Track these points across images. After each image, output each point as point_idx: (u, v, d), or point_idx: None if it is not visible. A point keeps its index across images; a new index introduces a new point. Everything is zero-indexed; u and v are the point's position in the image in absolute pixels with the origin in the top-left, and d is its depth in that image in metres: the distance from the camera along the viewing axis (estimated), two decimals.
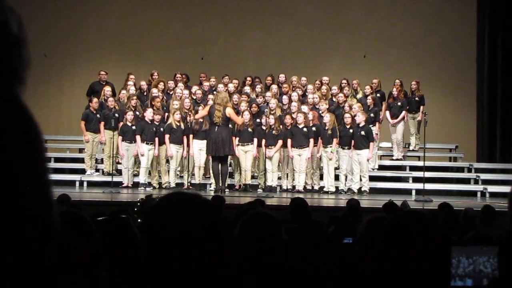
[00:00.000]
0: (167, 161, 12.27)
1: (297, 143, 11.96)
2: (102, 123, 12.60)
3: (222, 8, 16.79)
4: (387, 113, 13.50)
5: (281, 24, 16.61)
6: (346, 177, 12.04)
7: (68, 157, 14.34)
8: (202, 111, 11.77)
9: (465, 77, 15.75)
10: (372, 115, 12.72)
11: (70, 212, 2.26)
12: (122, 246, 2.55)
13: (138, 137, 11.97)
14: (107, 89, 13.09)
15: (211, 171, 11.89)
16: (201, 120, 11.91)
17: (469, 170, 13.65)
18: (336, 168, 12.20)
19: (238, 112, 12.18)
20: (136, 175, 12.41)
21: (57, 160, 13.78)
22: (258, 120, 12.31)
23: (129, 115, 12.11)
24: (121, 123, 12.26)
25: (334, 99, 13.23)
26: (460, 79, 15.85)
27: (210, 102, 12.21)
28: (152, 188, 12.05)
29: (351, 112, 12.10)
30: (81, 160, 13.31)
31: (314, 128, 12.03)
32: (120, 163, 12.48)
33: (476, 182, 13.07)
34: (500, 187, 12.46)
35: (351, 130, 11.88)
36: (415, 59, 15.99)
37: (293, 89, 13.54)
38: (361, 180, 11.86)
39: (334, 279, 2.71)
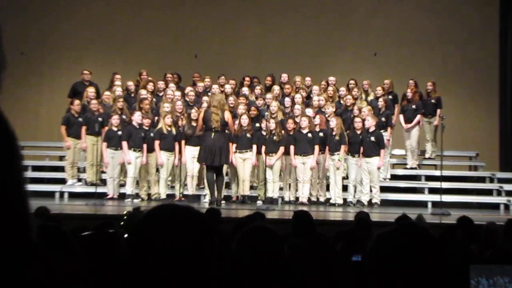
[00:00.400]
0: (157, 170, 12.26)
1: (300, 150, 11.97)
2: (84, 127, 12.60)
3: (218, 2, 16.83)
4: (401, 117, 13.51)
5: (283, 19, 16.65)
6: (355, 187, 12.04)
7: (47, 165, 14.33)
8: (199, 122, 11.67)
9: (486, 77, 15.77)
10: (383, 119, 12.73)
11: (49, 226, 2.26)
12: (109, 264, 2.55)
13: (124, 144, 11.96)
14: (91, 90, 13.10)
15: (205, 181, 11.89)
16: (194, 124, 11.92)
17: (491, 180, 13.65)
18: (344, 178, 12.19)
19: (235, 116, 12.19)
20: (122, 185, 12.40)
21: (35, 169, 13.78)
22: (257, 125, 12.31)
23: (115, 119, 12.11)
24: (106, 128, 12.27)
25: (341, 102, 13.25)
26: (481, 79, 15.87)
27: (205, 105, 12.22)
28: (140, 199, 12.04)
29: (360, 115, 12.10)
30: (62, 169, 13.30)
31: (321, 134, 12.03)
32: (105, 172, 12.47)
33: (499, 193, 13.07)
34: None
35: (360, 136, 11.88)
36: (430, 57, 16.02)
37: (297, 90, 13.56)
38: (371, 191, 11.86)
39: None
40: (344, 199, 12.03)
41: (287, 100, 13.00)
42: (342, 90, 13.52)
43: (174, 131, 12.08)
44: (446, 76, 15.38)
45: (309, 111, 12.52)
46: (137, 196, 12.14)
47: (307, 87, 13.91)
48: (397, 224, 6.21)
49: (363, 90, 13.77)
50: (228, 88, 13.38)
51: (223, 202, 11.68)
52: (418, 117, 13.40)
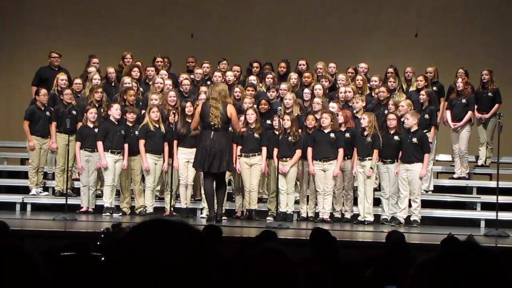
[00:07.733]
0: (143, 178, 12.27)
1: (321, 154, 11.94)
2: (54, 123, 12.62)
3: None
4: (447, 113, 13.44)
5: None
6: (390, 201, 12.01)
7: (5, 170, 14.36)
8: (196, 117, 11.62)
9: None
10: (426, 116, 12.67)
11: (8, 246, 2.26)
12: None
13: (99, 144, 11.94)
14: (61, 78, 13.12)
15: (202, 192, 11.89)
16: (189, 120, 11.91)
17: None
18: (375, 189, 12.17)
19: (240, 111, 12.18)
20: (99, 196, 12.42)
21: None
22: (268, 122, 12.30)
23: (92, 113, 12.10)
24: (80, 124, 12.28)
25: (374, 94, 13.21)
26: None
27: (203, 97, 12.21)
28: (121, 214, 12.06)
29: (397, 112, 12.07)
30: (24, 175, 13.32)
31: (347, 134, 11.99)
32: (78, 180, 12.49)
33: None
34: None
35: (396, 137, 11.84)
36: (485, 40, 15.96)
37: (318, 79, 13.54)
38: (410, 206, 11.83)
39: None
40: (376, 216, 12.01)
41: (307, 92, 12.97)
42: (375, 80, 13.46)
43: (163, 128, 12.07)
44: (504, 64, 15.31)
45: (333, 106, 12.48)
46: (117, 209, 12.15)
47: (330, 75, 13.88)
48: (444, 248, 6.19)
49: (405, 79, 13.66)
50: (231, 76, 13.34)
51: (224, 218, 11.68)
52: (469, 114, 13.33)
